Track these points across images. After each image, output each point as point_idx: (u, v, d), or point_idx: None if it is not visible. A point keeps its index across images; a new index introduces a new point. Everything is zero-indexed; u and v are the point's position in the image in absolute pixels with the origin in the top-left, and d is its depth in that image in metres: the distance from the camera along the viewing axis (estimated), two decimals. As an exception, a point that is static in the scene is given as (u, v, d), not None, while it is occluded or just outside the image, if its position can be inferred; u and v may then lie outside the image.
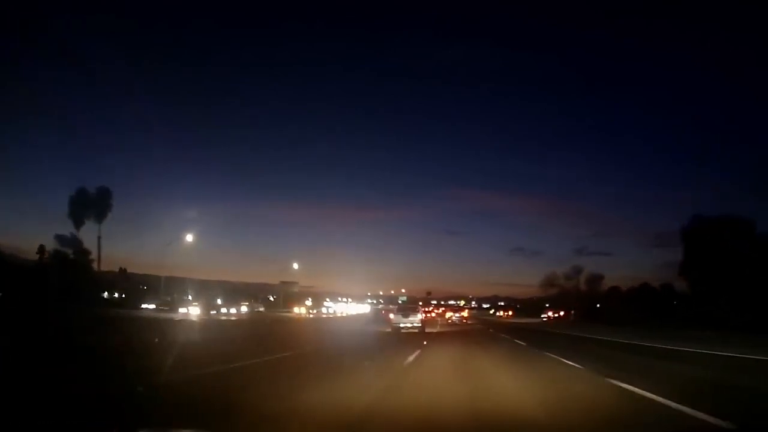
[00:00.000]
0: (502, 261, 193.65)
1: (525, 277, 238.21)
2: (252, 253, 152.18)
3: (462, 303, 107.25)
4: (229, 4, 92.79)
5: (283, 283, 69.68)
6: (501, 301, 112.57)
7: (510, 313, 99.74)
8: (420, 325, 31.95)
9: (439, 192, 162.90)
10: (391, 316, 34.98)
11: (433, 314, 75.52)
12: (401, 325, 31.36)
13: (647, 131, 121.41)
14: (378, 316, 57.78)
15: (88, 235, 50.62)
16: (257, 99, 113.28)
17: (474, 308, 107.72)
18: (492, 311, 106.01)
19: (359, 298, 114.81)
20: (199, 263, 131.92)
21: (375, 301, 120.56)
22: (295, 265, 63.10)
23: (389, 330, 32.01)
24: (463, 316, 67.20)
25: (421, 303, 60.86)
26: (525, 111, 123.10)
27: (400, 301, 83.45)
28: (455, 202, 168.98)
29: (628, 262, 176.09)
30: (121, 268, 63.17)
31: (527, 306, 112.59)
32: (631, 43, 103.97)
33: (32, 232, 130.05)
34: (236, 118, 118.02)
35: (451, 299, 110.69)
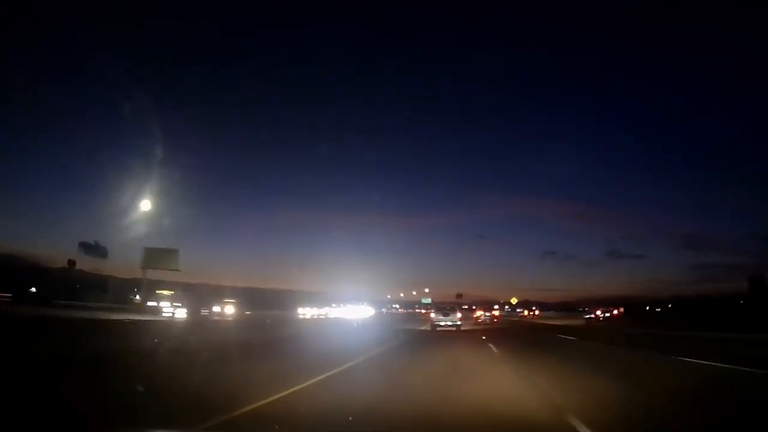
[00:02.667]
0: (533, 265, 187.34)
1: (556, 282, 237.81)
2: (273, 259, 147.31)
3: (515, 302, 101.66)
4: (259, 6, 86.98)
5: (149, 249, 37.93)
6: (532, 305, 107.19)
7: (536, 312, 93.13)
8: (459, 323, 34.67)
9: (469, 197, 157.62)
10: (432, 315, 38.41)
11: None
12: (441, 324, 33.97)
13: (675, 132, 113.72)
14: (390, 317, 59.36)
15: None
16: (286, 107, 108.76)
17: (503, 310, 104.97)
18: (518, 310, 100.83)
19: (378, 302, 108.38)
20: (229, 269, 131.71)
21: (398, 305, 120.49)
22: (145, 205, 29.47)
23: (425, 328, 35.01)
24: (494, 315, 65.80)
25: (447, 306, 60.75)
26: (553, 115, 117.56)
27: (422, 302, 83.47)
28: (485, 207, 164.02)
29: (659, 264, 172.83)
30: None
31: (553, 307, 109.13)
32: (661, 46, 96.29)
33: (57, 240, 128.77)
34: (265, 126, 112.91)
35: (483, 304, 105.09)
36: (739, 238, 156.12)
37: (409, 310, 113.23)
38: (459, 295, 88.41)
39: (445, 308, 39.23)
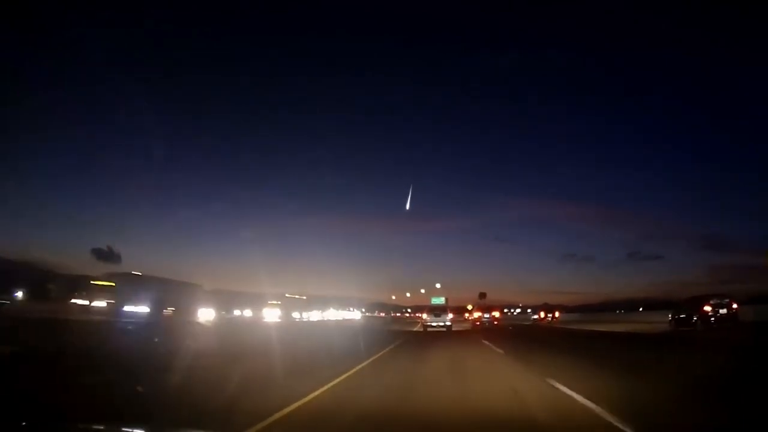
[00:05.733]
0: (553, 268, 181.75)
1: (576, 285, 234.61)
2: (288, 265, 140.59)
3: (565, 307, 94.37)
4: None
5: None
6: (552, 307, 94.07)
7: (557, 315, 72.88)
8: (450, 324, 36.72)
9: (487, 200, 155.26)
10: (424, 316, 40.73)
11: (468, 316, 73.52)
12: (433, 324, 36.20)
13: (696, 132, 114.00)
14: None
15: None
16: (305, 113, 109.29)
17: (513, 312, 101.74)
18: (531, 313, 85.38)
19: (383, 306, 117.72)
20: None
21: (408, 309, 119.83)
22: None
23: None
24: (493, 317, 61.43)
25: (470, 306, 64.64)
26: (570, 117, 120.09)
27: (434, 302, 74.53)
28: (503, 210, 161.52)
29: (679, 265, 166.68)
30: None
31: (574, 310, 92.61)
32: (679, 46, 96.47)
33: (69, 246, 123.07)
34: (286, 132, 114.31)
35: (504, 308, 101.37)
36: (760, 239, 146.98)
37: (397, 314, 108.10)
38: (482, 295, 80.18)
39: (436, 310, 40.59)
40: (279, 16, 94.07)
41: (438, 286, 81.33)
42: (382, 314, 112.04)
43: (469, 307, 68.02)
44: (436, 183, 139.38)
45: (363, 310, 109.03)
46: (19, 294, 38.51)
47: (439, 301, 79.62)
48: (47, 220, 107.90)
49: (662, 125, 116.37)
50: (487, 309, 68.19)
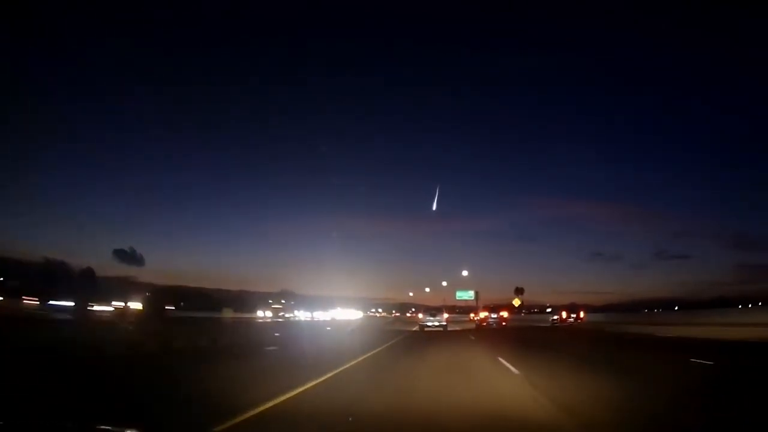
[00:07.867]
0: (581, 268, 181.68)
1: (603, 285, 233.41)
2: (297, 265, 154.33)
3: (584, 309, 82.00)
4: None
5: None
6: (578, 307, 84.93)
7: (582, 316, 64.05)
8: (445, 323, 38.87)
9: (516, 200, 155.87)
10: (420, 315, 41.94)
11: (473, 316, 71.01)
12: (429, 324, 37.82)
13: (724, 131, 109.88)
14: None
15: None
16: (329, 115, 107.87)
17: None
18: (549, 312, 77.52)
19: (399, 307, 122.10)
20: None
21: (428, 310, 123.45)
22: None
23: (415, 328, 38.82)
24: (501, 317, 57.83)
25: (518, 302, 63.31)
26: (598, 117, 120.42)
27: (459, 297, 70.44)
28: (532, 211, 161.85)
29: (707, 265, 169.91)
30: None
31: (600, 310, 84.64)
32: (701, 45, 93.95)
33: (90, 246, 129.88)
34: (317, 134, 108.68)
35: (534, 308, 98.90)
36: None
37: (397, 314, 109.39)
38: (519, 290, 71.45)
39: (431, 310, 42.61)
40: (301, 17, 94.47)
41: (465, 273, 67.17)
42: (384, 314, 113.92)
43: (517, 303, 64.18)
44: (462, 184, 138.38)
45: (374, 309, 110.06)
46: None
47: (467, 295, 69.31)
48: (67, 222, 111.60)
49: (690, 124, 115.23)
50: (495, 309, 61.63)
